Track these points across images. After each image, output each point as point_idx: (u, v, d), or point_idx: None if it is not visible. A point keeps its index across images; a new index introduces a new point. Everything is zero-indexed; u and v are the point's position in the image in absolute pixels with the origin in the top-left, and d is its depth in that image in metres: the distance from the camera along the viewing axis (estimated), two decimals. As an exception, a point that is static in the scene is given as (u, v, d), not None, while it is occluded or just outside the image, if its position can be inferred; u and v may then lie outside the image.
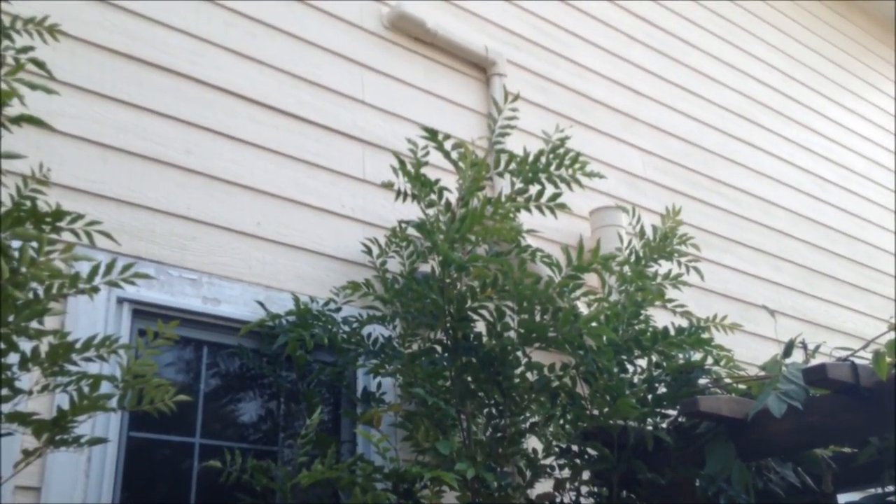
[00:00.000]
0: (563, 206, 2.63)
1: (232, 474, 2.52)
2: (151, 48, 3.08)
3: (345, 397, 3.10)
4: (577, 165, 2.60)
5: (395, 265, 3.19)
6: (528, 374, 2.43)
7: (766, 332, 4.59)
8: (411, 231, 3.08)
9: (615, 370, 2.35)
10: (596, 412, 2.43)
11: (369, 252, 3.20)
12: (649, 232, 3.00)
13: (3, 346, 1.78)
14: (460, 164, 2.63)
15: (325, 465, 2.55)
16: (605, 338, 2.24)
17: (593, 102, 4.59)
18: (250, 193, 3.16)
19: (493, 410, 2.36)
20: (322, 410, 2.73)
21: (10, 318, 1.67)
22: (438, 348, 2.57)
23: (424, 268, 3.16)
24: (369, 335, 2.89)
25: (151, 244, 2.86)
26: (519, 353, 2.40)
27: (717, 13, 5.70)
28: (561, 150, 2.62)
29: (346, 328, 2.79)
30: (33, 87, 1.82)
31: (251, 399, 3.05)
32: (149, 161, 2.94)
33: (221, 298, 2.95)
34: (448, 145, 2.65)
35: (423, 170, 2.74)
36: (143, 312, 2.78)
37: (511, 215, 2.42)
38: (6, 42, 2.06)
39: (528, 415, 2.42)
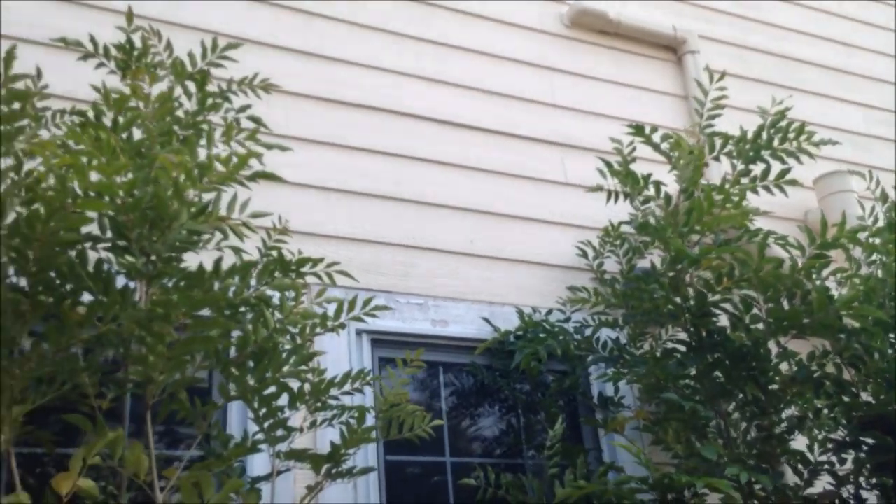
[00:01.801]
0: (793, 182, 2.46)
1: (488, 490, 2.56)
2: (352, 89, 3.22)
3: (581, 404, 3.07)
4: (802, 137, 2.42)
5: (610, 265, 3.14)
6: (784, 366, 2.27)
7: None
8: (625, 228, 3.01)
9: (889, 351, 2.14)
10: (871, 399, 2.22)
11: (585, 255, 3.16)
12: (892, 193, 2.72)
13: (274, 389, 1.91)
14: (673, 154, 2.52)
15: (577, 476, 2.53)
16: (870, 318, 2.05)
17: (798, 62, 4.27)
18: (460, 213, 3.22)
19: (754, 408, 2.22)
20: (561, 420, 2.71)
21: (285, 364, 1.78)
22: (682, 348, 2.47)
23: (642, 263, 3.08)
24: (597, 339, 2.84)
25: (378, 275, 2.98)
26: (770, 344, 2.25)
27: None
28: (782, 123, 2.45)
29: (579, 336, 2.75)
30: (268, 146, 1.95)
31: (489, 414, 3.09)
32: (365, 197, 3.07)
33: (448, 319, 3.02)
34: (657, 137, 2.55)
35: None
36: (380, 341, 2.90)
37: (739, 199, 2.28)
38: (226, 104, 2.23)
39: (792, 409, 2.26)
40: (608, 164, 2.59)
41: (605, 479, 2.03)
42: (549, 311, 3.02)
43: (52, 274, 1.53)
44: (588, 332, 2.80)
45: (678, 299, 2.27)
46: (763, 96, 3.62)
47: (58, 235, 1.30)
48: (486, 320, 3.01)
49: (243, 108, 2.22)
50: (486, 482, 2.59)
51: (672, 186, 2.63)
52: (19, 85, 1.63)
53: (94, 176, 1.53)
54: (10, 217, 1.43)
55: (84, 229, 1.57)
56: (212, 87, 2.18)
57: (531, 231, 3.30)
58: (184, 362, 1.59)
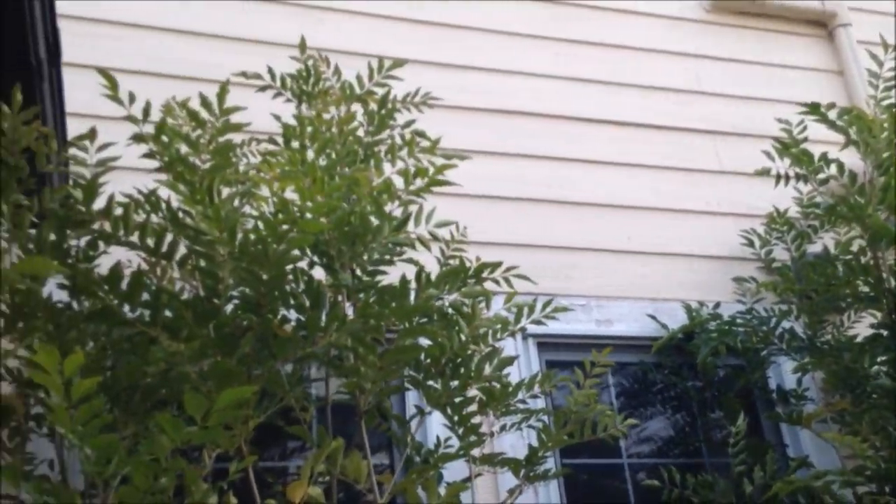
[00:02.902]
0: None
1: (673, 491, 2.51)
2: (498, 97, 3.24)
3: (760, 399, 2.96)
4: None
5: (778, 252, 3.03)
6: None
7: None
8: (792, 213, 2.91)
9: None
10: None
11: (750, 244, 3.05)
12: None
13: (465, 396, 1.94)
14: (850, 131, 2.40)
15: (767, 473, 2.44)
16: None
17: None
18: (615, 210, 3.18)
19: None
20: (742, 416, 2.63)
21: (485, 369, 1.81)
22: (884, 332, 2.34)
23: (812, 248, 2.96)
24: (777, 330, 2.74)
25: (541, 278, 2.93)
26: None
27: None
28: (974, 88, 2.29)
29: (765, 328, 2.66)
30: (448, 156, 1.99)
31: (660, 413, 3.03)
32: (524, 202, 3.08)
33: (613, 318, 2.98)
34: (832, 114, 2.44)
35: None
36: (545, 344, 2.90)
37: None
38: (391, 122, 2.28)
39: None
40: (784, 145, 2.49)
41: (820, 472, 1.94)
42: (717, 305, 2.93)
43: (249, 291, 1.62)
44: (767, 323, 2.70)
45: (873, 281, 2.16)
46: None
47: (287, 256, 1.37)
48: (652, 317, 2.96)
49: (408, 124, 2.27)
50: (670, 483, 2.54)
51: (849, 165, 2.51)
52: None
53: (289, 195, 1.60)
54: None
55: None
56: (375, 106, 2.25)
57: (688, 223, 3.22)
58: (394, 371, 1.64)
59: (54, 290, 1.50)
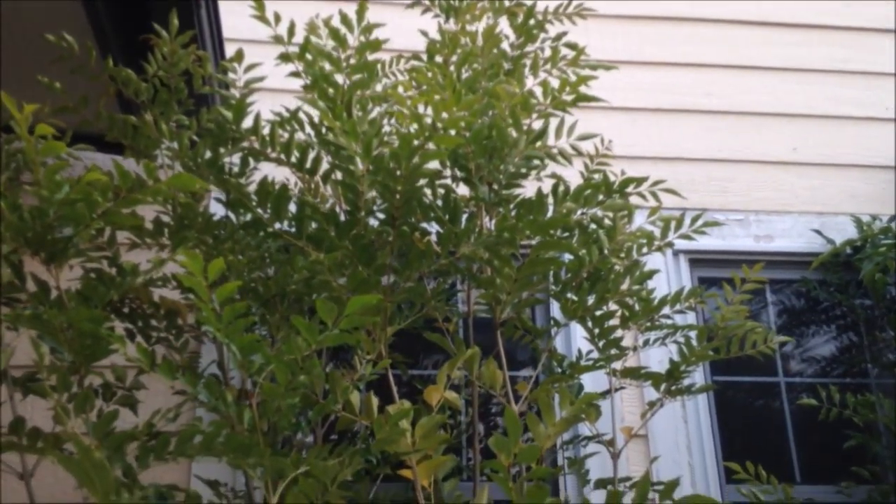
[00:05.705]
0: None
1: (831, 411, 2.40)
2: (651, 1, 3.08)
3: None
4: None
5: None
6: None
7: None
8: None
9: None
10: None
11: (935, 153, 2.77)
12: None
13: (606, 309, 1.93)
14: None
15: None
16: None
17: None
18: (778, 120, 2.98)
19: None
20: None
21: (624, 286, 1.79)
22: None
23: None
24: (960, 247, 2.50)
25: (692, 192, 2.87)
26: None
27: None
28: None
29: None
30: (593, 67, 1.92)
31: (824, 333, 2.88)
32: (673, 113, 2.95)
33: (773, 234, 2.83)
34: None
35: None
36: (698, 260, 2.81)
37: None
38: (541, 34, 2.22)
39: None
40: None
41: None
42: (892, 218, 2.72)
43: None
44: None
45: None
46: None
47: (419, 170, 1.40)
48: (818, 232, 2.78)
49: (559, 37, 2.19)
50: (829, 402, 2.43)
51: None
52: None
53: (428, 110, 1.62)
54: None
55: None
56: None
57: (864, 132, 2.97)
58: (529, 283, 1.65)
59: (212, 204, 1.62)
